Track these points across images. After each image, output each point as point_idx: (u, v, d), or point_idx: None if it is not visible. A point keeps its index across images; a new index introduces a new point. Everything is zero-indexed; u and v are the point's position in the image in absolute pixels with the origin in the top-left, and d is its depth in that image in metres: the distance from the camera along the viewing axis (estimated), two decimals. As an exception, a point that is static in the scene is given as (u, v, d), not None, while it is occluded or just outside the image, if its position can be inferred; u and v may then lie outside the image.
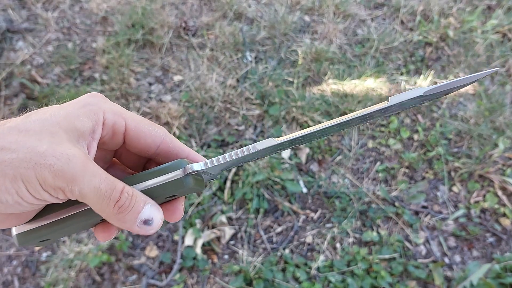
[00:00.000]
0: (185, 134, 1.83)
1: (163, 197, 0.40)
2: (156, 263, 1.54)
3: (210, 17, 2.26)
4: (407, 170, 1.80)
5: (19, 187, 0.33)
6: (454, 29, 2.22)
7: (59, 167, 0.33)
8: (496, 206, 1.70)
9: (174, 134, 1.73)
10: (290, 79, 2.03)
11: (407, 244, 1.62)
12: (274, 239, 1.62)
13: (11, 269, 1.52)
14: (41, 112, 0.36)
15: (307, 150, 1.81)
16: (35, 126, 0.34)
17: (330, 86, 2.02)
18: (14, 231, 0.39)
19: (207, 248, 1.58)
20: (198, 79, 2.01)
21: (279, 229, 1.64)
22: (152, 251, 1.57)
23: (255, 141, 1.82)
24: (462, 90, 2.03)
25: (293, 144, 0.41)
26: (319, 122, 1.86)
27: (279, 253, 1.57)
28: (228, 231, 1.61)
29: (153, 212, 0.38)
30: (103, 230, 0.41)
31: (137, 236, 1.61)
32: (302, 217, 1.66)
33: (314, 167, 1.79)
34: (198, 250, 1.55)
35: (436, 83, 2.05)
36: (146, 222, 0.37)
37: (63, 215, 0.38)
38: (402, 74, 2.08)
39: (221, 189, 1.70)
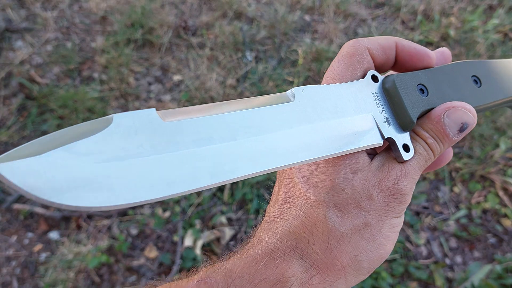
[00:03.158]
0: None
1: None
2: (156, 264, 1.53)
3: (210, 17, 2.25)
4: (408, 171, 1.79)
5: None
6: (455, 29, 2.21)
7: None
8: (497, 206, 1.69)
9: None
10: (290, 79, 2.02)
11: (408, 245, 1.61)
12: (274, 240, 1.61)
13: (10, 270, 1.51)
14: None
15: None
16: None
17: (331, 86, 2.01)
18: None
19: (207, 248, 1.57)
20: (197, 79, 2.00)
21: (279, 230, 1.63)
22: (152, 252, 1.56)
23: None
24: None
25: None
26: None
27: (279, 254, 1.56)
28: (228, 232, 1.60)
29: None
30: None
31: (137, 236, 1.60)
32: (303, 218, 1.65)
33: (314, 167, 1.78)
34: (198, 251, 1.55)
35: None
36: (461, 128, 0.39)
37: None
38: (402, 74, 2.07)
39: (221, 189, 1.69)
